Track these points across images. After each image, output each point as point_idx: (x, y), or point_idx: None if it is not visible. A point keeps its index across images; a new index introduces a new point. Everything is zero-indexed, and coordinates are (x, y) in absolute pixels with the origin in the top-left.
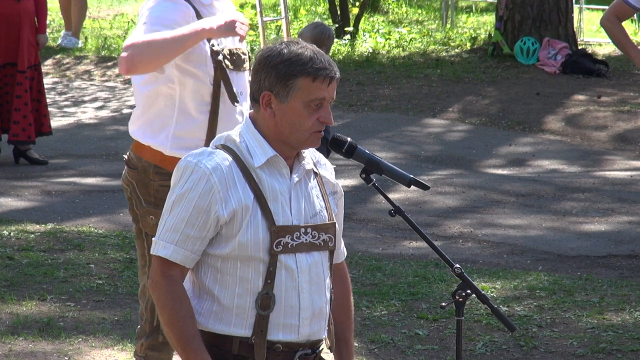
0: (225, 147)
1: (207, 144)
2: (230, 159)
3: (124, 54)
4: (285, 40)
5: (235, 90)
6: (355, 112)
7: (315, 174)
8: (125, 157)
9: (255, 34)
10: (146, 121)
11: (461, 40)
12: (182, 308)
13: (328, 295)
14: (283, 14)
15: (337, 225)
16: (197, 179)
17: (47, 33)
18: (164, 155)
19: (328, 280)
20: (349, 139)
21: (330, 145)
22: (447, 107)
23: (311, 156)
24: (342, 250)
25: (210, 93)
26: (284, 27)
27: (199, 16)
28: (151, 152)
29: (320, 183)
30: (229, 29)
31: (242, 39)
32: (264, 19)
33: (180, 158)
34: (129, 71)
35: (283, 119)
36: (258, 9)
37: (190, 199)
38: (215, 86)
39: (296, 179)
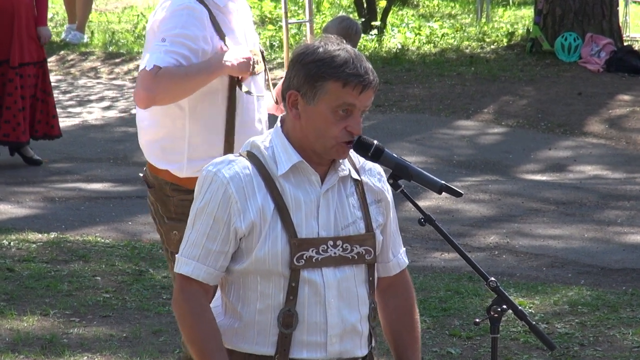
0: (249, 154)
1: None
2: (251, 167)
3: (143, 92)
4: (328, 37)
5: (249, 98)
6: (382, 113)
7: (356, 181)
8: (142, 175)
9: (275, 29)
10: (156, 145)
11: (497, 35)
12: (203, 325)
13: (364, 311)
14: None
15: (379, 236)
16: (216, 190)
17: (48, 26)
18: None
19: (365, 295)
20: (375, 141)
21: (355, 149)
22: (481, 108)
23: (354, 161)
24: (398, 261)
25: (225, 107)
26: (307, 32)
27: (212, 19)
28: (167, 172)
29: (359, 191)
30: (245, 69)
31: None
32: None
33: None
34: (148, 107)
35: (308, 122)
36: (283, 9)
37: (210, 212)
38: (231, 99)
39: (327, 187)
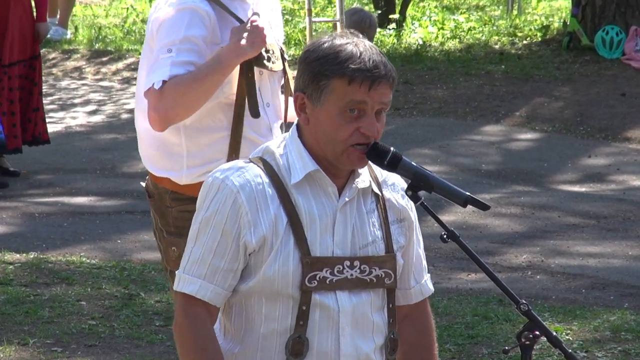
0: (262, 161)
1: None
2: (263, 174)
3: (153, 113)
4: (342, 32)
5: (260, 99)
6: (401, 116)
7: (377, 195)
8: (143, 184)
9: (291, 27)
10: (154, 150)
11: (530, 29)
12: (209, 352)
13: (380, 340)
14: (338, 16)
15: (400, 259)
16: (224, 199)
17: (48, 21)
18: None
19: (381, 324)
20: (392, 148)
21: (369, 156)
22: (513, 111)
23: (375, 173)
24: (422, 289)
25: (231, 106)
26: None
27: (227, 12)
28: (167, 180)
29: (381, 207)
30: (258, 41)
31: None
32: (313, 19)
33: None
34: (165, 128)
35: (317, 127)
36: (307, 6)
37: (217, 224)
38: (239, 96)
39: (345, 201)
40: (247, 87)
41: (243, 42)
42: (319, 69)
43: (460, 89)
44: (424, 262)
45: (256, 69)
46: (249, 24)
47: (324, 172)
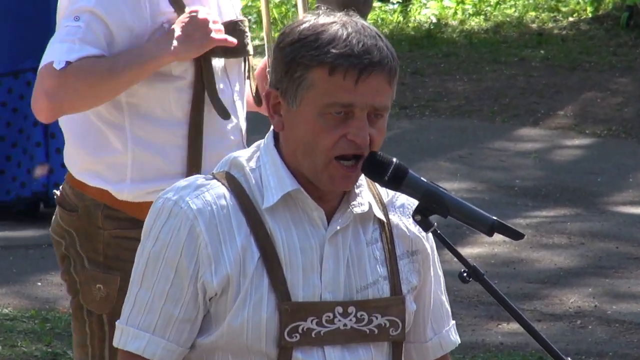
0: (228, 177)
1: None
2: (229, 195)
3: (45, 99)
4: (328, 9)
5: (223, 97)
6: (409, 118)
7: (381, 222)
8: (57, 193)
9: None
10: (83, 150)
11: (578, 3)
12: None
13: None
14: None
15: (411, 304)
16: (177, 228)
17: None
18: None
19: None
20: (394, 159)
21: (365, 170)
22: (555, 110)
23: (379, 193)
24: (442, 341)
25: (189, 103)
26: (299, 1)
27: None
28: (101, 191)
29: (387, 237)
30: (203, 38)
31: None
32: None
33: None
34: (52, 119)
35: (293, 133)
36: None
37: (170, 260)
38: (197, 91)
39: (336, 229)
40: (206, 79)
41: (175, 42)
42: (292, 56)
43: (486, 82)
44: (446, 306)
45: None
46: (187, 16)
47: (306, 192)
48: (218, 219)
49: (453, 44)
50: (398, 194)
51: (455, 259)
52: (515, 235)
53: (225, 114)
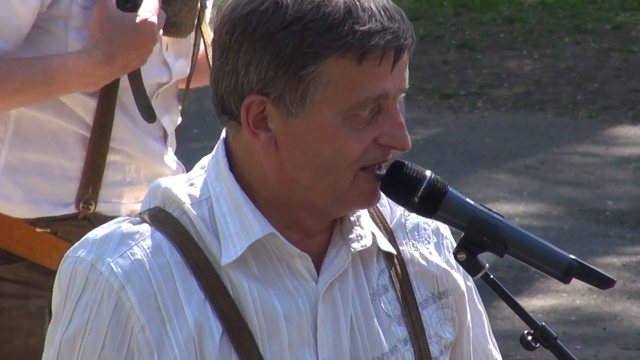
0: (163, 218)
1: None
2: (169, 247)
3: None
4: None
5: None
6: (453, 111)
7: (390, 255)
8: None
9: None
10: None
11: None
12: None
13: None
14: None
15: None
16: (97, 302)
17: None
18: None
19: None
20: (427, 172)
21: (386, 188)
22: None
23: (379, 212)
24: None
25: (92, 107)
26: None
27: None
28: None
29: (398, 278)
30: (144, 50)
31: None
32: None
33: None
34: None
35: (296, 154)
36: None
37: (89, 350)
38: (105, 92)
39: (329, 279)
40: (132, 76)
41: (101, 52)
42: (293, 44)
43: (565, 59)
44: (495, 356)
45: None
46: (136, 18)
47: (281, 233)
48: (157, 285)
49: (517, 5)
50: (408, 213)
51: (517, 316)
52: (603, 281)
53: (148, 114)
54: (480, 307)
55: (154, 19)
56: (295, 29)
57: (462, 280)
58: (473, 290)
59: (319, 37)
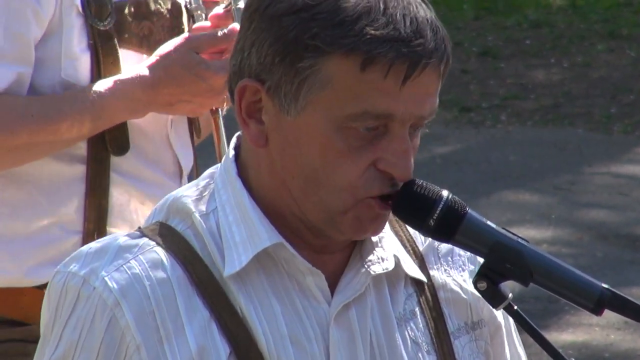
0: (166, 233)
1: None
2: (170, 262)
3: None
4: None
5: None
6: (474, 125)
7: (418, 282)
8: None
9: None
10: None
11: None
12: None
13: None
14: None
15: None
16: (89, 320)
17: None
18: None
19: None
20: (444, 192)
21: (398, 210)
22: None
23: (411, 236)
24: None
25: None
26: None
27: None
28: None
29: (428, 305)
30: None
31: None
32: None
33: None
34: None
35: (285, 154)
36: None
37: None
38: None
39: (343, 301)
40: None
41: (151, 74)
42: (297, 32)
43: (598, 68)
44: None
45: None
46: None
47: (291, 245)
48: (155, 302)
49: (545, 8)
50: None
51: (545, 353)
52: (638, 312)
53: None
54: (521, 350)
55: (223, 74)
56: (304, 16)
57: (500, 314)
58: (513, 329)
59: (325, 30)
